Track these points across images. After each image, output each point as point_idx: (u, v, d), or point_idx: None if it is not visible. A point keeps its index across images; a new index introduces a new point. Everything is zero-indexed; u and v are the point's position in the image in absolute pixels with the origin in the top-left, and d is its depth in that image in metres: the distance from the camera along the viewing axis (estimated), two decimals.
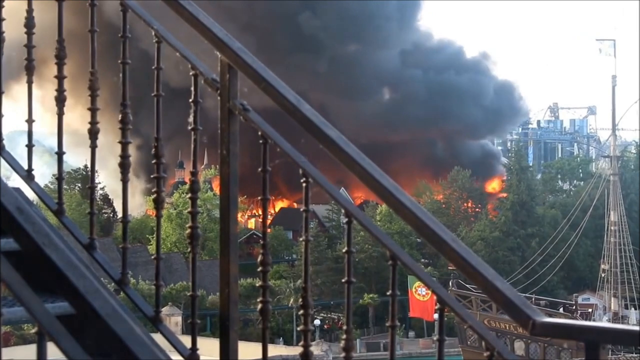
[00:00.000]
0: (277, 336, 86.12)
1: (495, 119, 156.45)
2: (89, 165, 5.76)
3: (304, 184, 4.48)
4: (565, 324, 3.99)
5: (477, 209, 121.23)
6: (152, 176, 5.17)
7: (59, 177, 5.66)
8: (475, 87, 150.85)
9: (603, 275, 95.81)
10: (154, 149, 5.11)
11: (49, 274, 4.46)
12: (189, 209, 5.01)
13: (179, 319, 70.66)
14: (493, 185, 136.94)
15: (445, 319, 4.29)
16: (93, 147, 5.39)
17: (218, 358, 4.73)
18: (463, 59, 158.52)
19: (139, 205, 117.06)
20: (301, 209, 4.56)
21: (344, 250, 4.42)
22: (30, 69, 5.57)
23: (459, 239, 4.14)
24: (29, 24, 5.52)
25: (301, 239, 4.60)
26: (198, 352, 4.90)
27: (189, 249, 5.00)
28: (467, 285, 74.11)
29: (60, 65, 5.45)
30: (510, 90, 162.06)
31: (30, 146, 5.61)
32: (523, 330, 3.95)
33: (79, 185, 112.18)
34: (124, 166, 5.25)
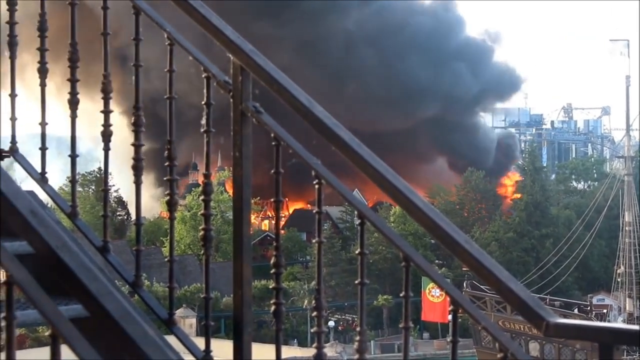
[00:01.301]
0: (291, 338, 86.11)
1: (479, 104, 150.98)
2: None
3: (316, 186, 4.48)
4: (579, 325, 3.99)
5: (491, 208, 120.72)
6: (165, 178, 5.17)
7: (73, 180, 5.68)
8: (464, 73, 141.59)
9: (619, 280, 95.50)
10: (166, 151, 5.11)
11: (63, 277, 4.47)
12: (203, 211, 5.02)
13: (193, 320, 70.81)
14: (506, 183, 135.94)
15: (460, 320, 4.28)
16: (106, 149, 5.40)
17: None
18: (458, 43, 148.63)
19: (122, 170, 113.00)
20: (314, 211, 4.56)
21: (357, 252, 4.41)
22: (43, 72, 5.60)
23: (472, 240, 4.13)
24: (42, 27, 5.55)
25: (315, 241, 4.60)
26: (212, 354, 4.91)
27: (202, 251, 5.01)
28: (481, 286, 73.93)
29: (73, 68, 5.46)
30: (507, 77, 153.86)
31: (43, 149, 5.63)
32: (538, 331, 3.95)
33: (93, 187, 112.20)
34: (137, 169, 5.26)
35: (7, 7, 5.59)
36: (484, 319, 4.25)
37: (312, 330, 4.71)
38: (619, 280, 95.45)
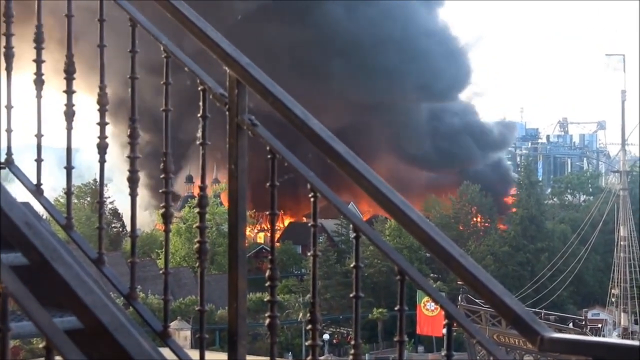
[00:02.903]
0: (286, 350, 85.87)
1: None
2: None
3: (312, 199, 4.48)
4: (573, 339, 3.99)
5: (487, 224, 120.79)
6: (160, 191, 5.17)
7: (68, 192, 5.68)
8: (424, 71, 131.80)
9: (614, 300, 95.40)
10: (162, 164, 5.11)
11: (58, 289, 4.46)
12: (198, 224, 5.01)
13: (188, 333, 70.52)
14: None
15: (455, 334, 4.29)
16: (102, 162, 5.40)
17: None
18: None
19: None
20: (309, 224, 4.56)
21: (352, 265, 4.41)
22: (39, 84, 5.60)
23: (467, 254, 4.13)
24: (38, 39, 5.55)
25: (310, 254, 4.60)
26: None
27: (197, 264, 5.01)
28: (476, 300, 73.84)
29: (69, 80, 5.46)
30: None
31: (39, 160, 5.62)
32: (532, 346, 3.95)
33: (89, 199, 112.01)
34: (132, 181, 5.25)
35: (4, 18, 5.59)
36: (478, 332, 4.25)
37: (306, 343, 4.70)
38: (613, 300, 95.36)
